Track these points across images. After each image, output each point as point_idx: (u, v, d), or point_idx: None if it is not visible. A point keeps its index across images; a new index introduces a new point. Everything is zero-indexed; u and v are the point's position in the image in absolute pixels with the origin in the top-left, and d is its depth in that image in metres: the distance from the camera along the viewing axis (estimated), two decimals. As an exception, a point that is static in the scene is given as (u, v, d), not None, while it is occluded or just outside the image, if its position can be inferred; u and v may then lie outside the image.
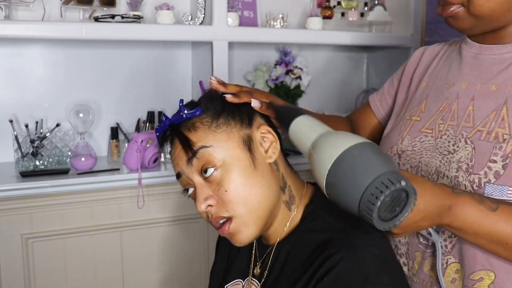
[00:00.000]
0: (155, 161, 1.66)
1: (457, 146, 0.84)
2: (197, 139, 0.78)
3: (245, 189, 0.76)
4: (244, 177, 0.76)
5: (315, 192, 0.85)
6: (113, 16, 1.61)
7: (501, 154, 0.78)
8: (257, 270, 0.86)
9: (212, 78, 0.86)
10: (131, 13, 1.67)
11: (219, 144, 0.77)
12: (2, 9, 1.57)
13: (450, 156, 0.84)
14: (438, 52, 1.00)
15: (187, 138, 0.78)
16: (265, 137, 0.82)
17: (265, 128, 0.82)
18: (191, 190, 0.81)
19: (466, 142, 0.83)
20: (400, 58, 2.10)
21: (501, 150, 0.78)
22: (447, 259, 0.85)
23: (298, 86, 2.03)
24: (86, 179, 1.53)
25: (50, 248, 1.52)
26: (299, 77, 2.02)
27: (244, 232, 0.77)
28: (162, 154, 1.73)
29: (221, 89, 0.85)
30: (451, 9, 0.82)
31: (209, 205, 0.77)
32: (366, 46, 2.17)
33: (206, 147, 0.77)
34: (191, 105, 0.82)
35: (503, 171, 0.77)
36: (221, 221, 0.77)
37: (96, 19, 1.62)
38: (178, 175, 0.81)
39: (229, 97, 0.82)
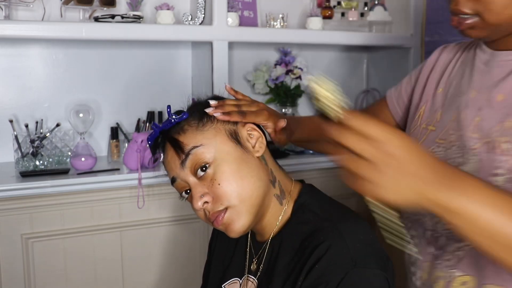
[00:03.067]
0: (155, 161, 1.65)
1: (466, 158, 0.81)
2: (187, 141, 0.82)
3: (236, 179, 0.79)
4: (235, 168, 0.80)
5: (303, 188, 0.89)
6: (113, 16, 1.61)
7: (506, 167, 0.75)
8: (253, 266, 0.88)
9: (227, 84, 0.95)
10: (131, 13, 1.67)
11: (208, 142, 0.81)
12: (2, 9, 1.57)
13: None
14: (455, 54, 0.95)
15: (178, 141, 0.82)
16: (251, 134, 0.86)
17: (250, 125, 0.86)
18: (188, 192, 0.84)
19: (473, 154, 0.80)
20: (400, 58, 2.10)
21: (507, 163, 0.75)
22: (451, 274, 0.83)
23: (298, 86, 2.03)
24: (86, 179, 1.53)
25: (50, 248, 1.52)
26: (299, 77, 2.02)
27: (238, 221, 0.80)
28: (162, 154, 1.73)
29: (232, 92, 0.94)
30: (467, 21, 0.77)
31: (205, 202, 0.80)
32: (366, 46, 2.17)
33: (196, 147, 0.81)
34: (179, 112, 0.87)
35: (509, 184, 0.73)
36: (220, 217, 0.80)
37: (96, 19, 1.62)
38: (173, 180, 0.85)
39: (217, 114, 0.84)
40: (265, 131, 0.91)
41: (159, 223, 1.65)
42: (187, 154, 0.81)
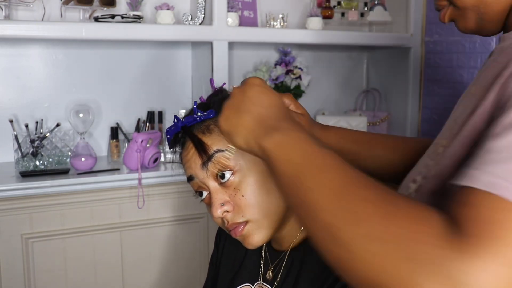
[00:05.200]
0: (155, 161, 1.66)
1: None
2: (212, 142, 0.74)
3: (262, 193, 0.73)
4: (262, 181, 0.74)
5: None
6: (113, 16, 1.61)
7: (424, 174, 0.64)
8: (269, 275, 0.84)
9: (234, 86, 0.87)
10: (131, 13, 1.67)
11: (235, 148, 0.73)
12: (2, 9, 1.57)
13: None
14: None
15: (202, 141, 0.74)
16: None
17: None
18: (204, 194, 0.77)
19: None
20: (400, 58, 2.10)
21: (426, 170, 0.65)
22: None
23: (298, 86, 2.03)
24: (86, 179, 1.53)
25: (50, 248, 1.52)
26: (299, 77, 2.02)
27: (258, 235, 0.75)
28: (162, 154, 1.73)
29: None
30: (442, 12, 0.71)
31: (226, 211, 0.74)
32: (366, 46, 2.17)
33: (222, 151, 0.73)
34: (204, 106, 0.79)
35: (417, 194, 0.64)
36: (239, 229, 0.75)
37: (96, 19, 1.62)
38: (190, 178, 0.78)
39: None
40: None
41: (159, 223, 1.65)
42: (211, 157, 0.74)
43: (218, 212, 0.73)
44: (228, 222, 0.74)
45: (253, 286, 0.87)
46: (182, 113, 1.71)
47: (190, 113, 0.79)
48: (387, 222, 0.43)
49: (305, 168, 0.52)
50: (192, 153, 0.76)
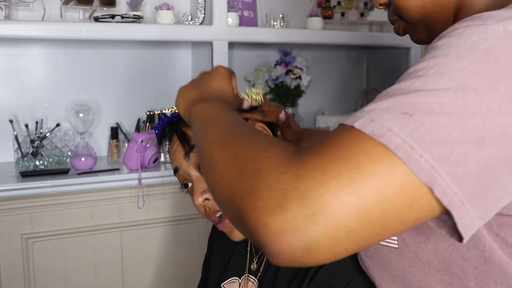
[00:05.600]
0: (155, 161, 1.66)
1: None
2: None
3: None
4: None
5: None
6: (113, 16, 1.61)
7: None
8: (253, 266, 0.87)
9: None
10: (131, 13, 1.67)
11: None
12: (2, 9, 1.57)
13: None
14: None
15: (185, 133, 0.80)
16: None
17: (260, 125, 0.83)
18: (189, 186, 0.82)
19: None
20: (400, 58, 2.10)
21: None
22: None
23: (298, 86, 2.03)
24: (86, 179, 1.53)
25: (50, 248, 1.52)
26: (299, 77, 2.02)
27: None
28: (162, 154, 1.73)
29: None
30: (396, 26, 0.73)
31: (206, 199, 0.78)
32: (366, 46, 2.17)
33: None
34: None
35: None
36: (218, 215, 0.79)
37: (96, 19, 1.62)
38: (176, 170, 0.83)
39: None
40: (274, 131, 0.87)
41: (159, 223, 1.65)
42: (192, 147, 0.79)
43: (199, 200, 0.78)
44: (209, 209, 0.79)
45: (240, 279, 0.89)
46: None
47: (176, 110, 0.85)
48: (247, 149, 0.47)
49: (209, 120, 0.59)
50: (176, 145, 0.81)
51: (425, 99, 0.42)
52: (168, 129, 0.84)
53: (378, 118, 0.42)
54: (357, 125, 0.42)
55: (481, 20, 0.47)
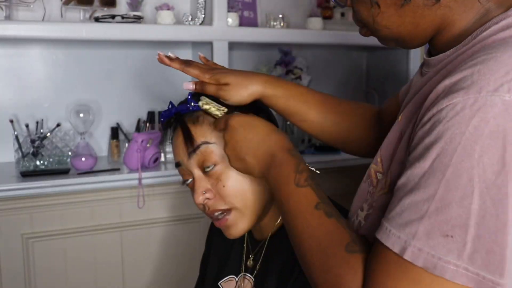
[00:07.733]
0: (155, 161, 1.66)
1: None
2: (199, 134, 0.79)
3: (243, 184, 0.78)
4: (243, 174, 0.77)
5: None
6: (113, 17, 1.61)
7: (369, 202, 0.64)
8: (250, 262, 0.88)
9: (200, 54, 0.89)
10: (131, 13, 1.67)
11: (221, 141, 0.77)
12: (2, 9, 1.58)
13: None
14: None
15: (190, 132, 0.79)
16: None
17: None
18: (190, 180, 0.82)
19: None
20: (400, 58, 2.10)
21: (371, 197, 0.65)
22: None
23: (298, 86, 2.03)
24: (86, 179, 1.53)
25: (50, 248, 1.52)
26: (299, 77, 2.02)
27: (239, 225, 0.79)
28: (163, 154, 1.73)
29: (204, 61, 0.88)
30: (362, 32, 0.72)
31: (207, 198, 0.79)
32: (366, 46, 2.17)
33: (208, 143, 0.78)
34: (198, 97, 0.81)
35: (363, 222, 0.65)
36: (216, 213, 0.79)
37: (97, 20, 1.62)
38: (178, 164, 0.82)
39: (161, 55, 0.83)
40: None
41: (159, 223, 1.65)
42: (197, 148, 0.78)
43: (200, 199, 0.78)
44: (208, 208, 0.79)
45: (237, 277, 0.90)
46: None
47: (185, 101, 0.83)
48: (321, 261, 0.58)
49: (284, 206, 0.65)
50: (180, 140, 0.80)
51: (458, 210, 0.46)
52: (174, 120, 0.83)
53: (425, 246, 0.46)
54: (407, 257, 0.47)
55: (472, 92, 0.46)
